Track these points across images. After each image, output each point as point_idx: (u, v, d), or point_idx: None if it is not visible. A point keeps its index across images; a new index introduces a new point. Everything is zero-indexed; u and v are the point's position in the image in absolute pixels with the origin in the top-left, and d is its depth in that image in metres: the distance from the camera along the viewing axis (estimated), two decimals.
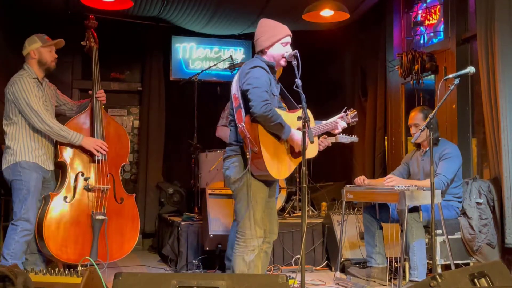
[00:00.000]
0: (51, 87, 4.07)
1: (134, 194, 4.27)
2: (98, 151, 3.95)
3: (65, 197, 3.86)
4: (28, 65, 3.88)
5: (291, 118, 3.24)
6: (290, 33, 3.35)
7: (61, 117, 4.11)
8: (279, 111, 3.21)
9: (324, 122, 3.61)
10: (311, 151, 3.37)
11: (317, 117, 3.90)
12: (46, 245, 3.75)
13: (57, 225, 3.80)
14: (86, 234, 3.87)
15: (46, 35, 3.98)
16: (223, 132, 4.62)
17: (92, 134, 4.02)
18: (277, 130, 3.15)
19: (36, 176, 3.77)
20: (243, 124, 3.15)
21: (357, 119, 3.76)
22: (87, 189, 3.93)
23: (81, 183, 3.93)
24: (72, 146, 3.92)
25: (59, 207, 3.83)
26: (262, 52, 3.33)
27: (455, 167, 4.13)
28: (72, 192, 3.90)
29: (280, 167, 3.21)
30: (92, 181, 3.94)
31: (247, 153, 3.13)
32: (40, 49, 3.88)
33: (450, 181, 4.13)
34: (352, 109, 3.74)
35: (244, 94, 3.17)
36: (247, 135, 3.11)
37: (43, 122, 3.74)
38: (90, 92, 4.17)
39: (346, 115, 3.67)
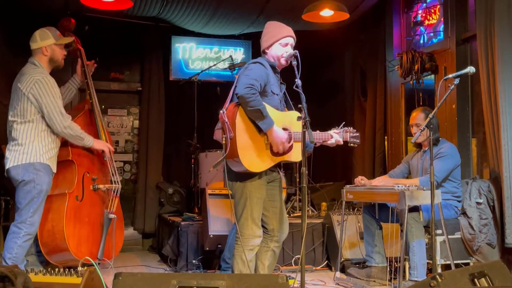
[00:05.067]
0: None
1: (118, 196, 4.21)
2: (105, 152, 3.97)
3: (76, 196, 3.86)
4: (38, 62, 3.71)
5: (278, 116, 3.21)
6: (291, 34, 3.35)
7: None
8: (270, 108, 3.17)
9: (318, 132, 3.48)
10: (295, 155, 3.29)
11: (317, 117, 3.88)
12: (67, 245, 3.68)
13: (74, 225, 3.78)
14: (95, 233, 3.90)
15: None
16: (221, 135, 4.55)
17: (96, 136, 4.02)
18: (257, 118, 3.09)
19: (49, 180, 3.67)
20: (224, 110, 3.15)
21: (358, 141, 3.54)
22: (95, 188, 3.93)
23: (88, 182, 3.93)
24: (80, 147, 3.90)
25: (74, 207, 3.82)
26: (264, 52, 3.38)
27: (447, 166, 4.14)
28: (81, 191, 3.90)
29: (254, 159, 3.13)
30: (100, 181, 3.96)
31: (223, 139, 3.10)
32: (53, 46, 3.73)
33: (443, 180, 4.15)
34: (355, 130, 3.54)
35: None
36: (226, 120, 3.11)
37: (68, 127, 3.66)
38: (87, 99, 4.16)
39: (344, 131, 3.47)
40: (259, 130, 3.16)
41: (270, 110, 3.16)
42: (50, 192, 3.81)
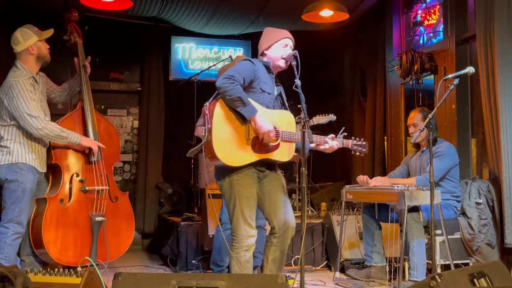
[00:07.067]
0: (42, 77, 3.94)
1: (127, 192, 4.24)
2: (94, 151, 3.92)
3: (61, 200, 3.82)
4: (21, 64, 3.73)
5: (265, 114, 3.15)
6: (289, 36, 3.35)
7: (52, 117, 4.01)
8: (257, 105, 3.12)
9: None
10: (281, 154, 3.21)
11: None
12: (46, 249, 3.69)
13: (56, 229, 3.75)
14: (84, 236, 3.85)
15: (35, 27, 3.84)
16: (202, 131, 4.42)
17: (85, 134, 3.96)
18: (238, 106, 3.02)
19: (33, 178, 3.70)
20: (207, 103, 3.12)
21: (364, 150, 3.42)
22: (83, 190, 3.89)
23: (76, 185, 3.89)
24: (66, 147, 3.86)
25: (56, 211, 3.78)
26: (262, 54, 3.36)
27: (445, 165, 4.15)
28: (68, 194, 3.86)
29: (231, 152, 3.06)
30: (87, 183, 3.91)
31: (203, 131, 3.06)
32: (37, 44, 3.75)
33: (440, 179, 4.16)
34: (363, 139, 3.46)
35: None
36: (206, 112, 3.07)
37: (43, 128, 3.62)
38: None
39: (343, 136, 3.37)
40: (241, 124, 3.09)
41: (255, 105, 3.10)
42: (40, 196, 3.82)
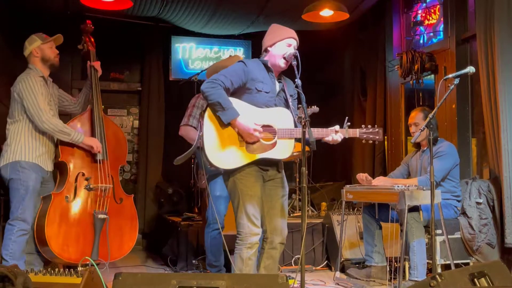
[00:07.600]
0: (55, 85, 4.10)
1: (133, 195, 4.29)
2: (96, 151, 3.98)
3: (66, 197, 3.88)
4: (33, 65, 3.91)
5: (260, 113, 3.15)
6: (294, 36, 3.32)
7: (61, 117, 4.11)
8: (246, 104, 3.13)
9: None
10: (279, 152, 3.19)
11: (317, 117, 3.82)
12: (48, 244, 3.74)
13: (59, 225, 3.81)
14: (87, 234, 3.89)
15: (45, 34, 4.02)
16: (186, 131, 4.34)
17: (92, 136, 4.05)
18: (217, 111, 3.05)
19: (35, 176, 3.78)
20: (203, 109, 3.17)
21: (378, 137, 3.30)
22: (88, 188, 3.95)
23: (82, 182, 3.95)
24: (73, 146, 3.95)
25: (60, 207, 3.84)
26: (266, 51, 3.33)
27: (446, 165, 4.15)
28: (73, 191, 3.92)
29: (224, 156, 3.09)
30: (92, 181, 3.97)
31: (199, 135, 3.12)
32: (41, 46, 3.93)
33: (442, 179, 4.16)
34: (376, 126, 3.35)
35: None
36: (200, 119, 3.15)
37: (47, 121, 3.75)
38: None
39: (348, 126, 3.29)
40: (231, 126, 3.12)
41: (246, 107, 3.11)
42: (46, 193, 3.88)
